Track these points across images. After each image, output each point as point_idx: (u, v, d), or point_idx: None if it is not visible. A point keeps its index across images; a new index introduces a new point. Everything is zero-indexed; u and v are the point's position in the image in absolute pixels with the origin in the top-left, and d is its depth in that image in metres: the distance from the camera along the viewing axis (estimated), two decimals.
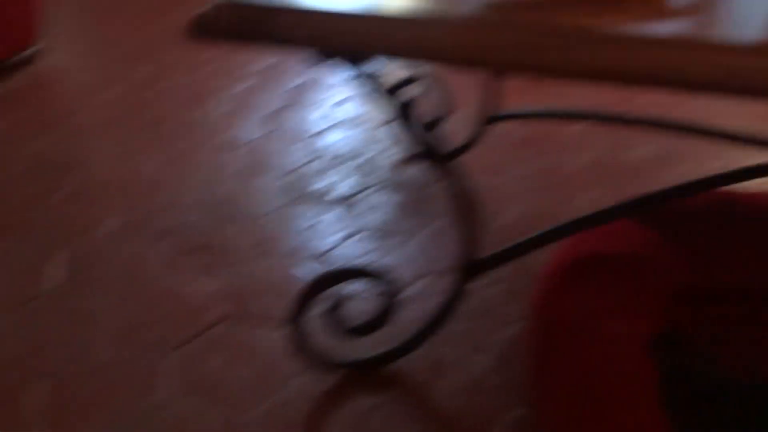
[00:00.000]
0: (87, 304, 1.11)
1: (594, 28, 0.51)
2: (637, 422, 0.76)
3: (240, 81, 1.93)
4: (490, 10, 0.54)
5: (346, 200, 1.41)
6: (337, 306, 0.88)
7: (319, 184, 1.46)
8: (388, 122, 1.72)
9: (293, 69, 2.02)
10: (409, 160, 1.57)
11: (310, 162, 1.55)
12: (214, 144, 1.60)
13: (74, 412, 0.92)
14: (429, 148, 0.86)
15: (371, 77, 0.76)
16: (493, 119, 1.45)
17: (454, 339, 1.07)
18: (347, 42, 0.48)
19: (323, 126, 1.71)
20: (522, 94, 1.97)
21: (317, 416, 0.93)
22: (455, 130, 1.73)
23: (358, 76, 0.76)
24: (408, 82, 1.46)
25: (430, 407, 0.96)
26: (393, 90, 1.48)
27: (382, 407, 0.95)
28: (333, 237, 1.29)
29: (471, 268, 0.93)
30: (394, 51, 0.51)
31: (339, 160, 1.56)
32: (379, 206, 1.40)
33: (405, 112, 0.86)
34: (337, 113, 1.79)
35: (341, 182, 1.48)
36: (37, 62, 2.01)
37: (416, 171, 1.53)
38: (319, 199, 1.41)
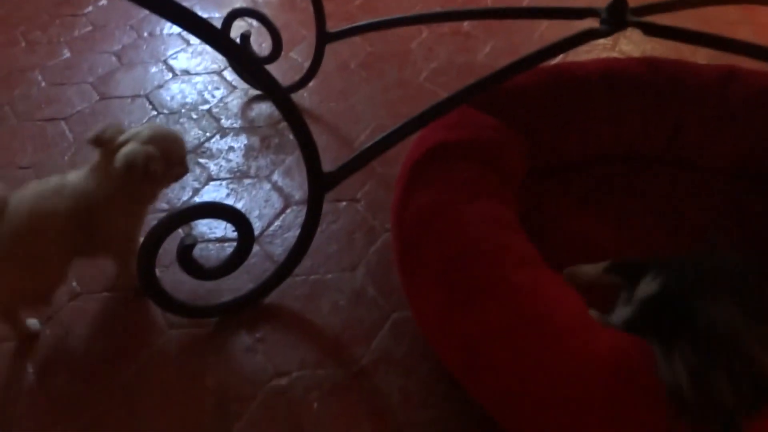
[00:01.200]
0: None
1: None
2: (523, 276, 0.78)
3: (57, 53, 1.77)
4: None
5: (195, 150, 1.35)
6: (189, 248, 0.84)
7: None
8: (226, 67, 1.65)
9: (114, 32, 1.88)
10: (254, 99, 1.53)
11: (152, 118, 1.46)
12: (41, 118, 1.47)
13: None
14: (267, 84, 0.83)
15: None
16: (328, 39, 1.42)
17: (328, 261, 1.08)
18: None
19: (160, 80, 1.62)
20: (365, 12, 1.96)
21: (199, 361, 0.91)
22: (298, 61, 1.70)
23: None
24: (237, 15, 1.40)
25: (312, 329, 0.96)
26: (225, 28, 1.42)
27: (264, 340, 0.94)
28: (188, 188, 1.24)
29: (322, 182, 0.92)
30: None
31: (182, 111, 1.49)
32: (230, 151, 1.35)
33: (239, 50, 0.82)
34: (173, 65, 1.69)
35: (188, 133, 1.41)
36: None
37: (262, 110, 1.49)
38: None
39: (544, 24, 1.79)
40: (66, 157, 1.33)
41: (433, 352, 0.88)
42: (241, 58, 0.86)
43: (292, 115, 0.85)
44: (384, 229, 1.13)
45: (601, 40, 1.66)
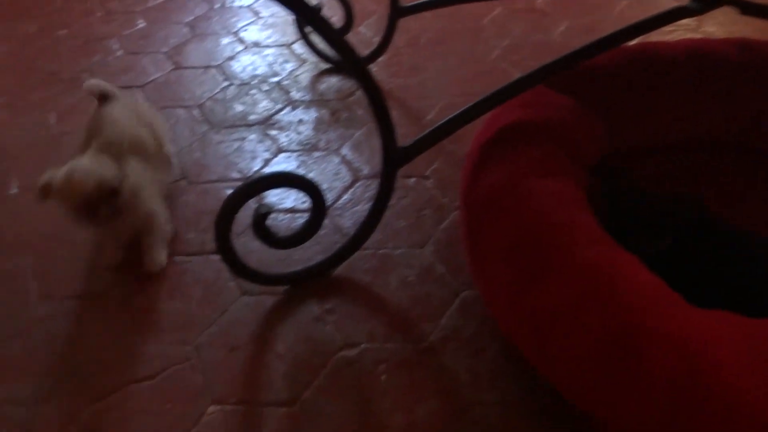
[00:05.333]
0: (5, 266, 1.05)
1: None
2: (596, 253, 0.76)
3: (132, 23, 1.81)
4: None
5: (265, 122, 1.37)
6: (263, 216, 0.85)
7: (237, 109, 1.41)
8: (296, 40, 1.66)
9: (187, 3, 1.91)
10: (324, 73, 1.53)
11: (224, 89, 1.48)
12: (118, 85, 1.50)
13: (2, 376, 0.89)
14: (343, 55, 0.82)
15: None
16: (401, 13, 1.40)
17: (397, 236, 1.07)
18: None
19: (231, 52, 1.64)
20: None
21: (268, 329, 0.92)
22: (367, 35, 1.69)
23: None
24: None
25: (381, 302, 0.96)
26: None
27: (333, 311, 0.95)
28: (258, 159, 1.26)
29: (396, 157, 0.91)
30: None
31: (253, 82, 1.50)
32: (300, 123, 1.36)
33: (313, 19, 0.82)
34: (244, 37, 1.71)
35: (259, 104, 1.42)
36: None
37: (332, 83, 1.49)
38: (238, 123, 1.36)
39: (623, 2, 1.73)
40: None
41: (502, 333, 0.87)
42: (322, 26, 0.85)
43: (370, 87, 0.84)
44: (453, 207, 1.12)
45: (685, 21, 1.59)
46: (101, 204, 0.91)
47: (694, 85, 1.10)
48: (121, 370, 0.88)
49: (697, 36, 1.58)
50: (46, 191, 0.91)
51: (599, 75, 1.10)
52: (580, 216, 0.83)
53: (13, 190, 1.21)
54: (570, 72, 1.08)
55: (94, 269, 1.04)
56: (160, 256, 1.03)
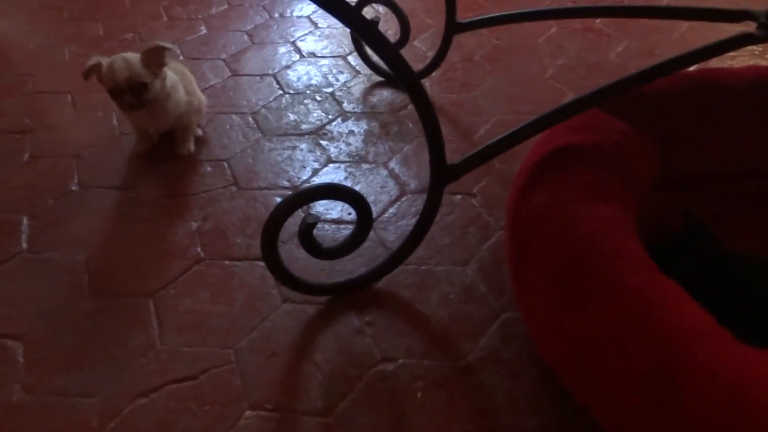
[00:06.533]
0: (60, 259, 1.09)
1: None
2: (642, 282, 0.74)
3: (194, 29, 1.87)
4: None
5: (317, 131, 1.39)
6: (310, 227, 0.86)
7: (290, 118, 1.43)
8: (351, 52, 1.68)
9: (248, 11, 1.96)
10: (377, 85, 1.54)
11: (278, 97, 1.51)
12: None
13: (51, 366, 0.92)
14: (396, 69, 0.83)
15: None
16: (457, 29, 1.40)
17: (440, 252, 1.07)
18: None
19: (287, 61, 1.67)
20: (492, 3, 1.92)
21: (308, 338, 0.93)
22: (422, 50, 1.69)
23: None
24: (368, 2, 1.42)
25: (421, 319, 0.96)
26: (357, 11, 1.43)
27: (373, 324, 0.95)
28: (308, 168, 1.27)
29: (444, 173, 0.91)
30: None
31: (307, 92, 1.53)
32: (350, 135, 1.37)
33: (369, 33, 0.83)
34: (301, 47, 1.74)
35: (311, 114, 1.44)
36: None
37: (384, 96, 1.50)
38: (291, 132, 1.38)
39: (684, 25, 1.69)
40: (198, 130, 1.40)
41: (542, 357, 0.86)
42: (376, 40, 0.86)
43: (422, 104, 0.85)
44: (499, 226, 1.11)
45: (750, 47, 1.54)
46: (127, 93, 1.17)
47: (757, 115, 1.06)
48: (165, 369, 0.90)
49: (763, 62, 1.53)
50: (92, 71, 1.18)
51: (655, 100, 1.08)
52: (628, 243, 0.81)
53: (74, 187, 1.26)
54: (625, 95, 1.06)
55: (140, 269, 1.07)
56: (190, 144, 1.32)
